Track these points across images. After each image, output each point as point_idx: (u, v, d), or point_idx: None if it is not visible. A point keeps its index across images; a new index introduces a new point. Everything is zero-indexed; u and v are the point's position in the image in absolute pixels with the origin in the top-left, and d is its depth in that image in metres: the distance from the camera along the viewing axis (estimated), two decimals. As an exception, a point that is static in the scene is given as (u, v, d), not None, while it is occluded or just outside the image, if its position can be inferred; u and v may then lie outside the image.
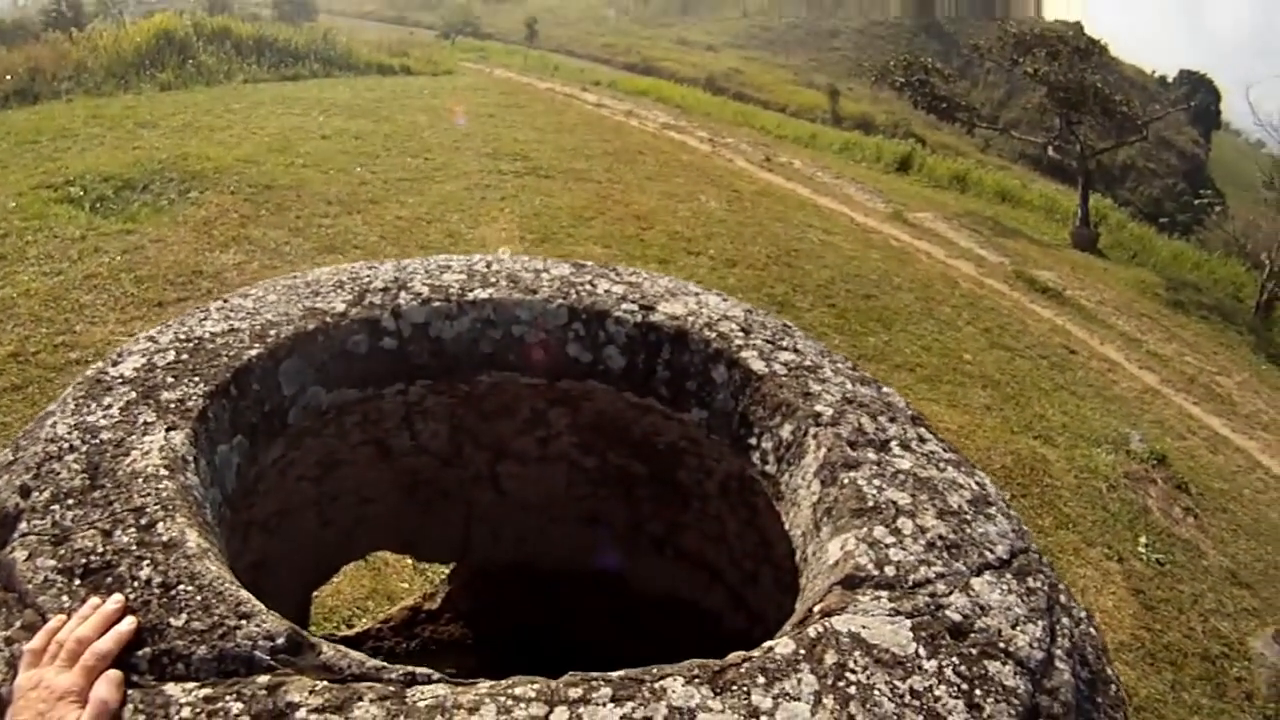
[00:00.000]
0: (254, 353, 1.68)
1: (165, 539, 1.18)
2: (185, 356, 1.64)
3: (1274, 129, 21.15)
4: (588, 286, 2.09)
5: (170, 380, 1.55)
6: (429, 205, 10.08)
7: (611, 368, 2.00)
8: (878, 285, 10.55)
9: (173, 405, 1.48)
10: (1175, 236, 26.40)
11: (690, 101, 28.47)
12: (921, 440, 1.72)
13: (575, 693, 1.01)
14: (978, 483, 1.63)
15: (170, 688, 0.99)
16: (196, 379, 1.56)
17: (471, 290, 1.99)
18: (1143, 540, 6.68)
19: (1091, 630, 1.54)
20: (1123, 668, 5.34)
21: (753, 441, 1.83)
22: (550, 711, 0.98)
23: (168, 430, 1.41)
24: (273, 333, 1.75)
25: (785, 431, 1.74)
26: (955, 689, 1.11)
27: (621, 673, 1.05)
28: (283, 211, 9.03)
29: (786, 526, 1.67)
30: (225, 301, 1.90)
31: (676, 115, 24.00)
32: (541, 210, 10.60)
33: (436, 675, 1.04)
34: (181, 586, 1.11)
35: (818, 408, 1.74)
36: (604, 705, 0.99)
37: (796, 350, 1.98)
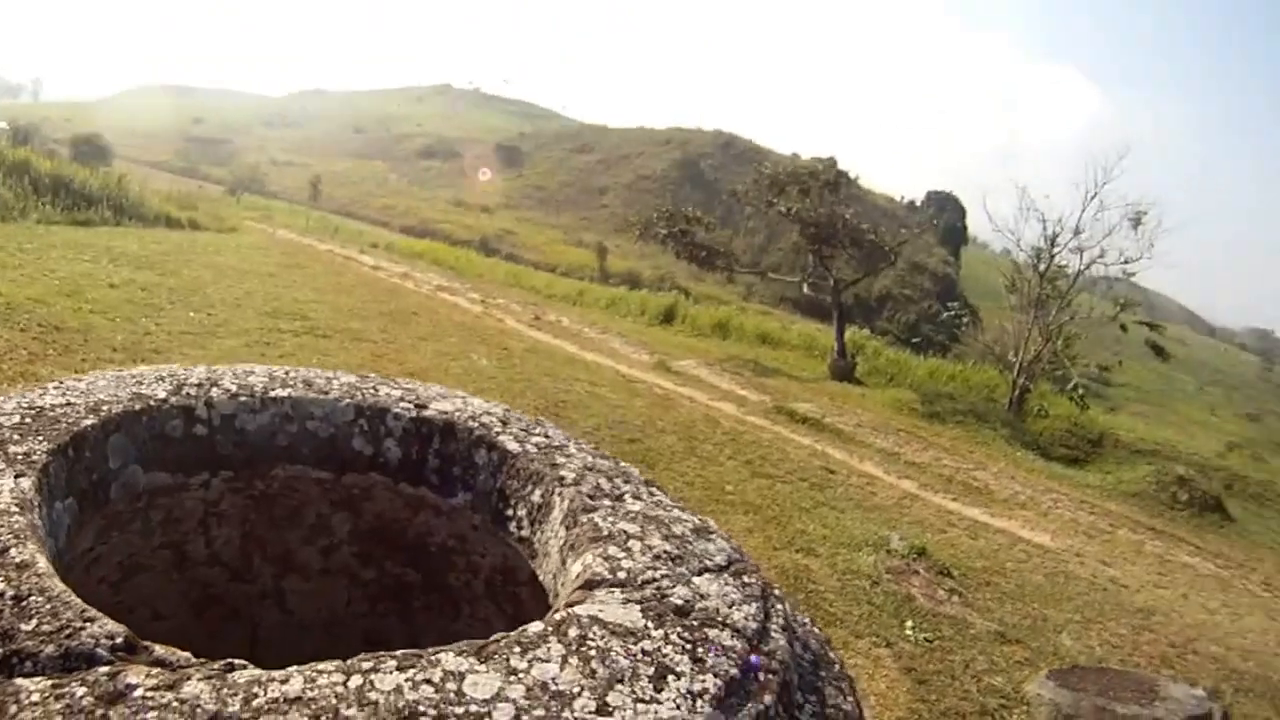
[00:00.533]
0: (89, 422, 1.87)
1: (18, 560, 1.33)
2: (29, 420, 1.82)
3: (1011, 233, 22.98)
4: (371, 390, 2.38)
5: (16, 437, 1.73)
6: (210, 359, 9.96)
7: (390, 459, 2.24)
8: (642, 430, 10.96)
9: (19, 457, 1.66)
10: (933, 355, 28.26)
11: (464, 264, 29.31)
12: (651, 494, 2.03)
13: (367, 665, 1.22)
14: (700, 520, 1.93)
15: (20, 680, 1.12)
16: (40, 438, 1.75)
17: (273, 389, 2.23)
18: (909, 624, 7.03)
19: (815, 630, 1.82)
20: (903, 741, 5.59)
21: (510, 512, 2.08)
22: (348, 678, 1.18)
23: (17, 476, 1.58)
24: (105, 408, 1.95)
25: (536, 496, 2.01)
26: (680, 648, 1.35)
27: (403, 651, 1.26)
28: (70, 353, 8.93)
29: (540, 575, 1.90)
30: (61, 382, 2.10)
31: (450, 277, 24.64)
32: (318, 367, 10.64)
33: (252, 666, 1.21)
34: (32, 598, 1.25)
35: (562, 473, 2.02)
36: (391, 673, 1.20)
37: (546, 435, 2.28)
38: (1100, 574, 10.20)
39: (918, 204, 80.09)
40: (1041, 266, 21.63)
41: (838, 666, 1.74)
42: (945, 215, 75.24)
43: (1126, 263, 22.04)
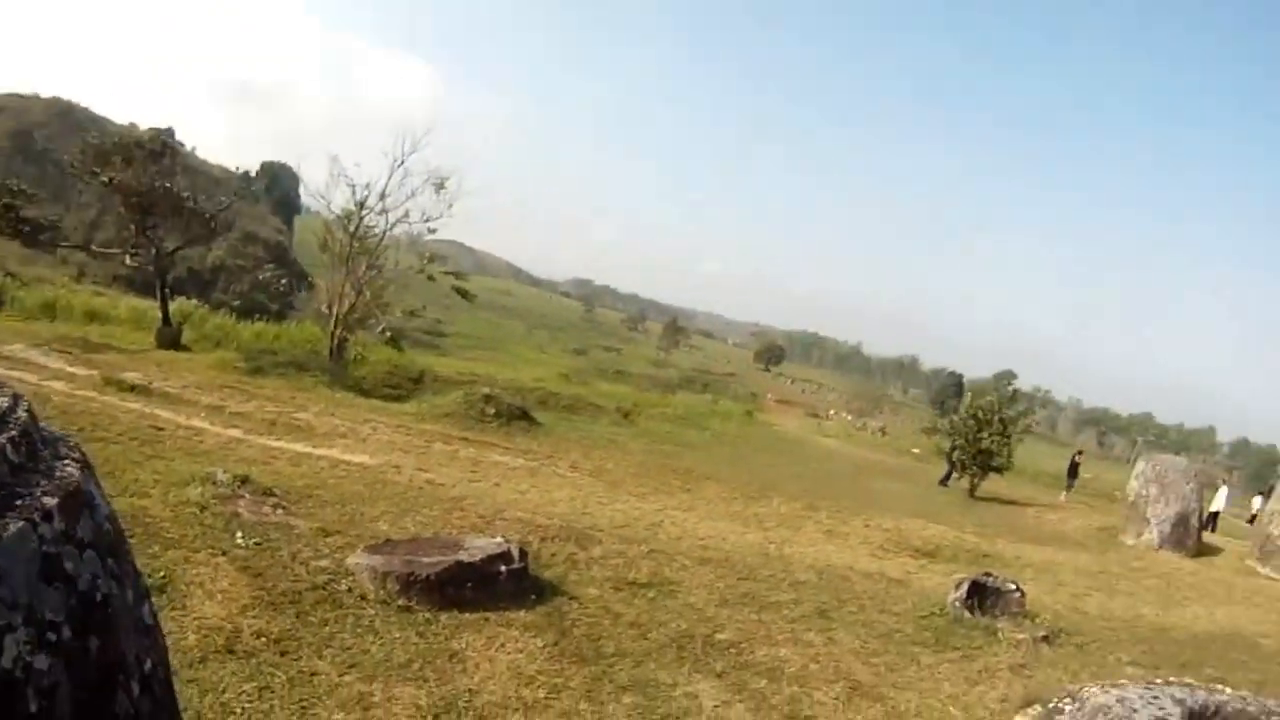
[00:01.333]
0: None
1: None
2: None
3: (322, 197, 24.59)
4: None
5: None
6: None
7: None
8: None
9: None
10: (269, 320, 29.28)
11: None
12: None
13: None
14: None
15: None
16: None
17: None
18: (239, 535, 7.86)
19: (57, 429, 2.79)
20: (295, 624, 6.43)
21: None
22: None
23: None
24: None
25: None
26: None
27: None
28: None
29: None
30: None
31: None
32: None
33: None
34: None
35: None
36: None
37: None
38: (417, 478, 12.02)
39: (252, 175, 79.44)
40: (351, 227, 23.53)
41: (65, 449, 2.70)
42: (280, 186, 75.79)
43: (429, 221, 24.68)
